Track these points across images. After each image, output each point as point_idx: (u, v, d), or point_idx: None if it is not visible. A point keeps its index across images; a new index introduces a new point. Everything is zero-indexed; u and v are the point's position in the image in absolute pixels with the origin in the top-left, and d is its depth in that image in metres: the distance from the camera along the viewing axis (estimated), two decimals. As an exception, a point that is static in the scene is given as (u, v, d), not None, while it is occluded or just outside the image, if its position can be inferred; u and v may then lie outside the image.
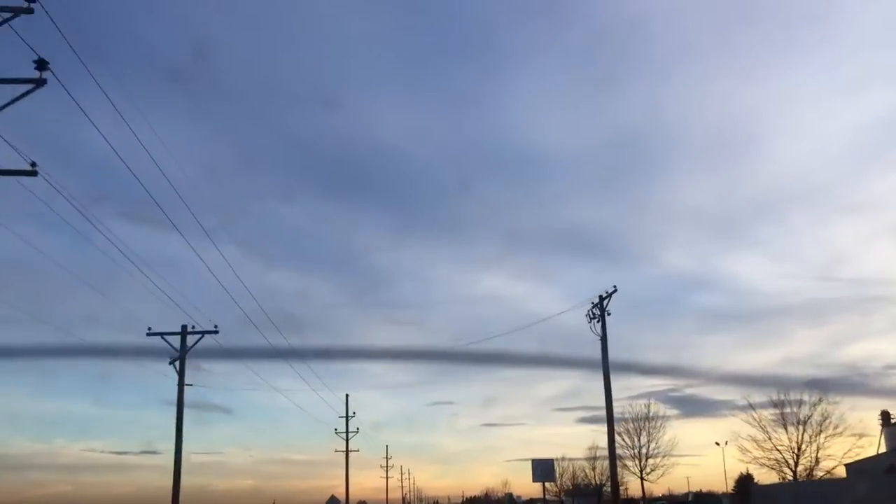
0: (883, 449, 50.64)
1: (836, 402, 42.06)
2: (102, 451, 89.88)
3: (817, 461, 42.71)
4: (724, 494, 71.00)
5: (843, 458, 42.05)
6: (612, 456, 29.48)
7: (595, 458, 68.73)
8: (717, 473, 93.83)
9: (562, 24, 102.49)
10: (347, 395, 53.02)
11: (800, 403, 43.29)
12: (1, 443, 72.18)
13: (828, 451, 42.43)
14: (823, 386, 42.92)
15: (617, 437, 33.16)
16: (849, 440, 41.93)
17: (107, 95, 15.21)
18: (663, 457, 54.85)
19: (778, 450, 44.01)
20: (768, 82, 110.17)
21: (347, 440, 52.85)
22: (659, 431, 55.17)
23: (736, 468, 72.59)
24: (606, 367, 27.62)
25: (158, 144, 18.98)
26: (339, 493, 52.93)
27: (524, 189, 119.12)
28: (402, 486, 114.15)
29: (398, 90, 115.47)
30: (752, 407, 44.98)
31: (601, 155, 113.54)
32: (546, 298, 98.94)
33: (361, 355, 45.31)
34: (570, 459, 75.28)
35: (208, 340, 26.80)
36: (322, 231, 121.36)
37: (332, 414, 53.01)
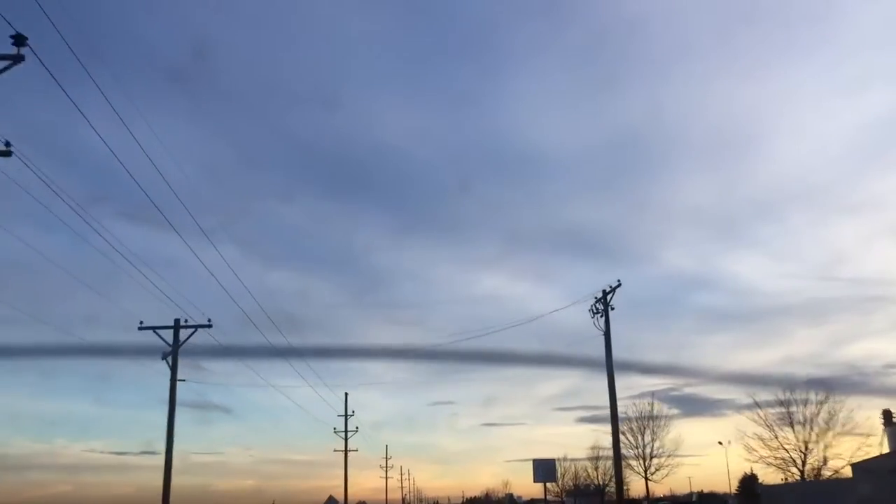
0: (885, 448, 50.09)
1: (842, 401, 41.64)
2: (102, 452, 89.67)
3: (825, 460, 42.24)
4: (726, 494, 70.41)
5: (851, 457, 41.60)
6: (617, 453, 28.77)
7: (598, 458, 68.15)
8: (717, 473, 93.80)
9: (562, 24, 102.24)
10: (346, 394, 52.82)
11: (806, 402, 42.85)
12: (1, 443, 71.89)
13: (836, 450, 42.03)
14: (824, 385, 42.88)
15: (620, 437, 32.50)
16: (857, 439, 41.69)
17: (106, 97, 15.14)
18: (668, 456, 54.22)
19: (785, 449, 43.51)
20: (768, 82, 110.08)
21: (346, 439, 52.53)
22: (663, 430, 54.59)
23: (738, 468, 72.13)
24: (610, 363, 26.87)
25: (158, 144, 19.01)
26: (339, 493, 52.53)
27: (524, 189, 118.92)
28: (401, 487, 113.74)
29: (398, 90, 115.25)
30: (758, 405, 44.54)
31: (601, 155, 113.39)
32: (546, 298, 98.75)
33: (361, 354, 44.81)
34: (572, 459, 74.70)
35: (206, 339, 26.38)
36: (322, 231, 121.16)
37: (332, 414, 52.82)
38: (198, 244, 22.73)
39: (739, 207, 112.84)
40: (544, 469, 40.84)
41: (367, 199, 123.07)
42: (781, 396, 43.52)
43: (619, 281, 27.52)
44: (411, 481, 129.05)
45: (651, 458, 54.04)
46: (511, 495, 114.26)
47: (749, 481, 66.57)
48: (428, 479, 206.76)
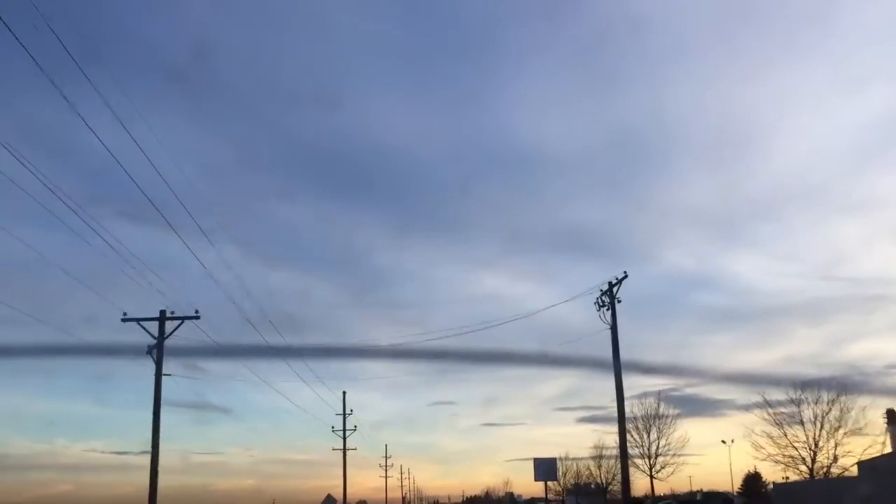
0: (889, 448, 49.59)
1: (853, 399, 41.13)
2: (103, 451, 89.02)
3: (835, 458, 41.58)
4: (728, 493, 69.85)
5: (861, 455, 41.03)
6: (623, 450, 27.97)
7: (601, 457, 67.56)
8: (718, 473, 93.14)
9: (562, 23, 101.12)
10: (344, 392, 52.19)
11: (817, 400, 42.28)
12: (1, 443, 71.41)
13: (846, 448, 41.43)
14: (824, 385, 42.43)
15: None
16: (867, 438, 41.20)
17: (103, 97, 15.00)
18: (673, 455, 53.60)
19: (794, 446, 42.86)
20: (768, 82, 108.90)
21: (345, 438, 52.07)
22: (669, 428, 53.94)
23: (741, 467, 71.49)
24: (617, 357, 26.04)
25: (158, 144, 19.01)
26: (339, 492, 51.89)
27: (525, 189, 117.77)
28: (401, 486, 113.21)
29: (398, 90, 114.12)
30: (767, 403, 43.89)
31: (602, 154, 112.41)
32: (547, 298, 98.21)
33: (361, 354, 44.09)
34: (573, 459, 74.13)
35: (198, 334, 25.54)
36: (322, 231, 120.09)
37: (332, 413, 52.23)
38: (198, 244, 22.67)
39: (739, 207, 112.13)
40: (545, 468, 40.05)
41: (368, 199, 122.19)
42: (792, 395, 42.90)
43: (625, 272, 26.73)
44: (411, 481, 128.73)
45: (656, 456, 53.39)
46: (511, 494, 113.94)
47: (753, 479, 66.03)
48: (428, 479, 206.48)
